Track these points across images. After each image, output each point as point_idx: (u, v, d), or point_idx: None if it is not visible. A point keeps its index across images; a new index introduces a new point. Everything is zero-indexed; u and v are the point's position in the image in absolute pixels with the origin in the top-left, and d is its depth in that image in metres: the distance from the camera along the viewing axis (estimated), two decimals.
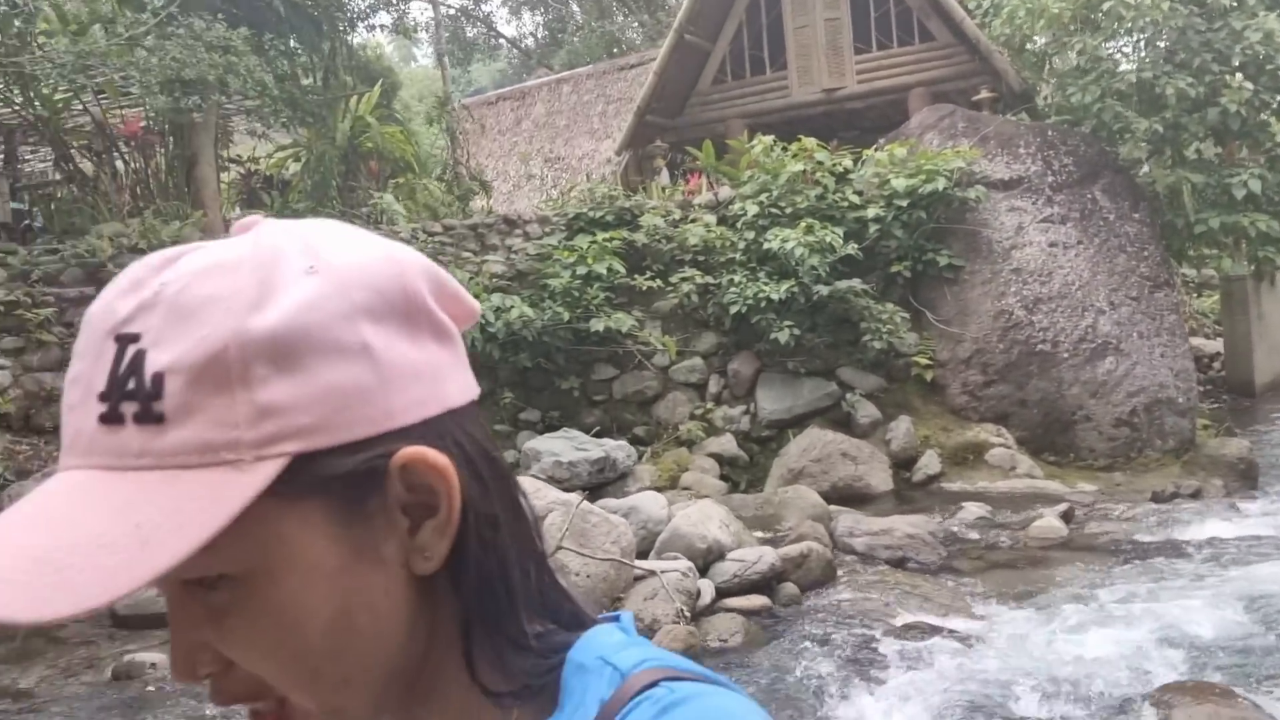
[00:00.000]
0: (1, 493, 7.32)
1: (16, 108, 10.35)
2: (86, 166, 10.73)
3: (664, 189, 11.61)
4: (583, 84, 18.11)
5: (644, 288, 9.62)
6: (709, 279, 9.60)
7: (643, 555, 5.72)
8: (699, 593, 5.36)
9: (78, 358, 0.53)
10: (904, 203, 9.39)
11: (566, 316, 9.27)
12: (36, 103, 10.24)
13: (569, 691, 0.56)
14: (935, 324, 9.52)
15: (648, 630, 4.79)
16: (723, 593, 5.50)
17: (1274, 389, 13.65)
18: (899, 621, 5.15)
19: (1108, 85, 10.15)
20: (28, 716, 4.32)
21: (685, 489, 8.32)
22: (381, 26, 15.54)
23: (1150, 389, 9.09)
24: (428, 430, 0.55)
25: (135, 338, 0.51)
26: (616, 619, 0.62)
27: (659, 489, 7.90)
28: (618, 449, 8.51)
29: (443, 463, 0.54)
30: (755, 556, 5.70)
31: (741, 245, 9.63)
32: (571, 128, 17.49)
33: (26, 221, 10.95)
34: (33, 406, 8.37)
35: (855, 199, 9.67)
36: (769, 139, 10.16)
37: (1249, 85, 9.61)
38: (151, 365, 0.50)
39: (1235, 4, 10.00)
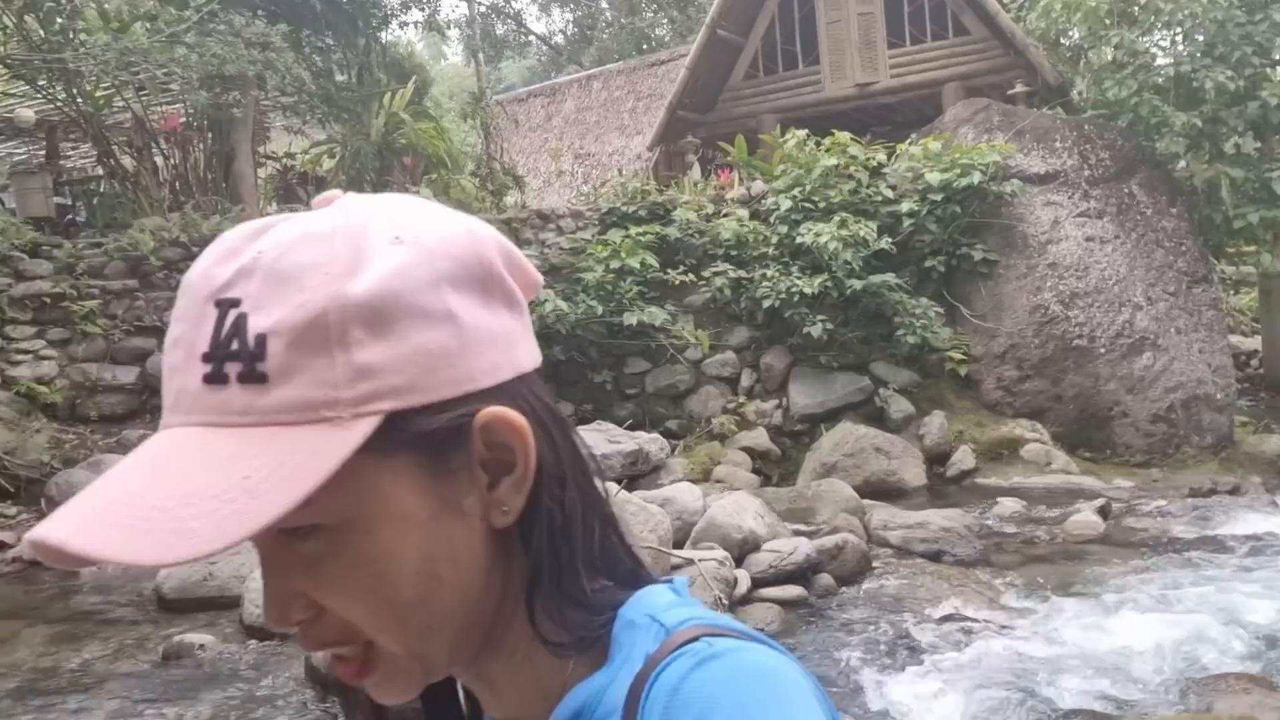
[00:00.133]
0: (49, 481, 7.47)
1: (59, 104, 10.53)
2: (127, 162, 10.89)
3: (696, 184, 11.63)
4: (613, 80, 18.15)
5: (677, 282, 9.63)
6: (741, 273, 9.60)
7: (678, 545, 5.73)
8: (735, 581, 5.38)
9: (177, 321, 0.56)
10: (938, 197, 9.34)
11: (600, 310, 9.31)
12: (79, 99, 10.41)
13: (619, 645, 0.60)
14: (970, 319, 9.46)
15: None
16: (758, 583, 5.49)
17: None
18: (937, 612, 5.13)
19: (1145, 79, 10.05)
20: (82, 696, 4.42)
21: (718, 482, 8.32)
22: (414, 23, 15.67)
23: (1188, 385, 9.00)
24: (501, 392, 0.58)
25: (236, 302, 0.53)
26: (669, 582, 0.65)
27: (692, 482, 7.92)
28: (650, 442, 8.52)
29: (520, 422, 0.58)
30: (791, 548, 5.69)
31: (774, 239, 9.62)
32: (602, 124, 17.53)
33: (70, 216, 11.15)
34: (78, 396, 8.53)
35: (889, 193, 9.63)
36: (802, 133, 10.14)
37: None
38: (254, 328, 0.53)
39: None
